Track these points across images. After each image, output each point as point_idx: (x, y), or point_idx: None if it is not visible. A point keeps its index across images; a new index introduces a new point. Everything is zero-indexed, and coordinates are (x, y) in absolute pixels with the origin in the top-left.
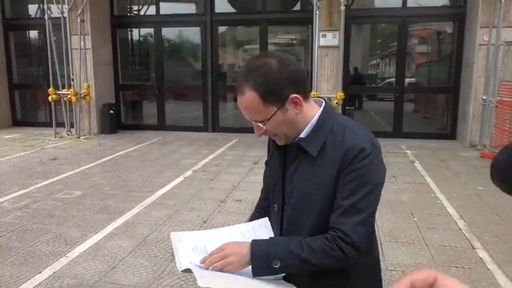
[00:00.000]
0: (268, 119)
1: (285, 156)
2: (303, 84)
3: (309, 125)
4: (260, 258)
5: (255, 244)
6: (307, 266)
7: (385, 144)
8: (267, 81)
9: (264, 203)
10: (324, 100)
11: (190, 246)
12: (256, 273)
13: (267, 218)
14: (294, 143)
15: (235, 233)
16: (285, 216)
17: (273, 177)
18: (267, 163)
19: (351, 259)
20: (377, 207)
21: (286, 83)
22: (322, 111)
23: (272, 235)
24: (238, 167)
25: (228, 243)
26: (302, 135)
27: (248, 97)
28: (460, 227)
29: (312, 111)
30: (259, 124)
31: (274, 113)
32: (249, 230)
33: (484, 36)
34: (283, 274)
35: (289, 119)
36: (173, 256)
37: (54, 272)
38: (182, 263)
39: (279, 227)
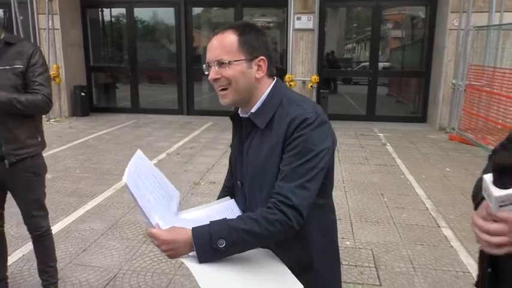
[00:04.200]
0: (233, 62)
1: (242, 134)
2: (271, 58)
3: (260, 99)
4: (202, 240)
5: (196, 229)
6: (255, 239)
7: (358, 127)
8: (249, 34)
9: (229, 182)
10: (276, 78)
11: (142, 174)
12: (203, 257)
13: (233, 200)
14: (247, 117)
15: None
16: (246, 190)
17: (234, 153)
18: (231, 145)
19: (294, 223)
20: (321, 175)
21: (263, 46)
22: (273, 87)
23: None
24: (213, 149)
25: (163, 234)
26: (253, 109)
27: (227, 36)
28: (427, 206)
29: (266, 87)
30: (222, 65)
31: (240, 60)
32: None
33: (455, 21)
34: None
35: (249, 76)
36: (145, 238)
37: (23, 255)
38: (127, 178)
39: (243, 202)
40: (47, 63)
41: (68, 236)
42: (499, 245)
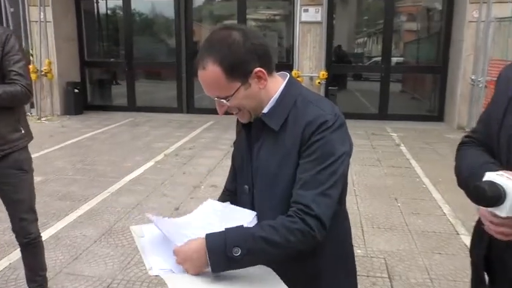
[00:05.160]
0: (232, 95)
1: (251, 134)
2: (267, 58)
3: (272, 99)
4: (217, 249)
5: (210, 236)
6: (273, 248)
7: (370, 126)
8: (231, 55)
9: (232, 185)
10: (289, 74)
11: (154, 244)
12: (216, 267)
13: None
14: (257, 118)
15: (203, 219)
16: (255, 196)
17: (240, 156)
18: (234, 143)
19: (317, 233)
20: (341, 181)
21: (250, 57)
22: (286, 85)
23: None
24: (214, 150)
25: (179, 247)
26: (265, 110)
27: (210, 72)
28: (445, 212)
29: (276, 85)
30: (222, 101)
31: (238, 89)
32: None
33: (474, 12)
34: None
35: (253, 94)
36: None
37: (10, 264)
38: (153, 267)
39: (251, 209)
40: (39, 57)
41: (58, 243)
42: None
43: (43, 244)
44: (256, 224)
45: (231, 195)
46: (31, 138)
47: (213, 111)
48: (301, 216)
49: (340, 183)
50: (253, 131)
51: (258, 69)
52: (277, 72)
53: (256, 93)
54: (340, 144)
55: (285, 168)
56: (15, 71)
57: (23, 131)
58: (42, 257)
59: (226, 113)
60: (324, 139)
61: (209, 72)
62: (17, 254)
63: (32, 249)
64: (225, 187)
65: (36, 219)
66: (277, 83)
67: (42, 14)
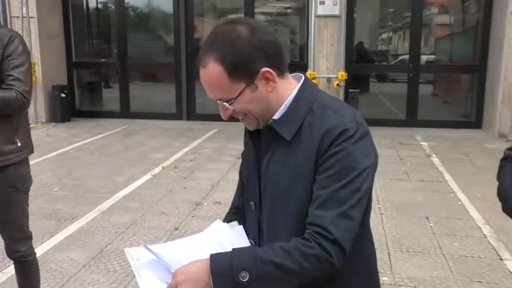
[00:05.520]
0: (235, 98)
1: (259, 144)
2: (277, 57)
3: (284, 104)
4: (222, 273)
5: (215, 257)
6: (285, 275)
7: (396, 134)
8: (234, 52)
9: (239, 201)
10: (304, 75)
11: (152, 267)
12: None
13: (241, 226)
14: (267, 126)
15: (203, 244)
16: (263, 215)
17: (247, 169)
18: (243, 154)
19: (336, 260)
20: (365, 199)
21: (256, 55)
22: (300, 88)
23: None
24: (218, 162)
25: (180, 267)
26: (276, 116)
27: (212, 71)
28: (485, 233)
29: (289, 89)
30: (224, 104)
31: (242, 91)
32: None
33: None
34: None
35: (260, 97)
36: None
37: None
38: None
39: (257, 230)
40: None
41: (42, 268)
42: None
43: (37, 266)
44: (268, 246)
45: (238, 213)
46: (30, 152)
47: (217, 118)
48: (318, 240)
49: (363, 201)
50: (262, 141)
51: (266, 69)
52: (290, 73)
53: (263, 96)
54: (363, 157)
55: (299, 183)
56: (13, 76)
57: (19, 144)
58: (33, 279)
59: (233, 118)
60: (345, 151)
61: (210, 72)
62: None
63: (20, 268)
64: (232, 204)
65: (27, 238)
66: (290, 86)
67: (24, 8)
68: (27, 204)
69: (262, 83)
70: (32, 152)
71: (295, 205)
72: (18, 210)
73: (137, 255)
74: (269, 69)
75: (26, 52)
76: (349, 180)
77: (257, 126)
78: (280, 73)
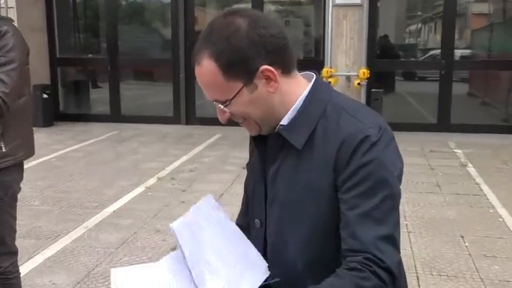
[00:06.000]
0: (232, 99)
1: (265, 152)
2: (281, 53)
3: (293, 107)
4: None
5: None
6: None
7: (426, 140)
8: (230, 48)
9: (243, 219)
10: (315, 74)
11: None
12: None
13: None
14: (274, 132)
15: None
16: (268, 232)
17: (252, 182)
18: (248, 165)
19: None
20: (399, 218)
21: (255, 51)
22: (311, 89)
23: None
24: (221, 172)
25: None
26: (284, 121)
27: (206, 68)
28: None
29: (298, 89)
30: (220, 106)
31: (239, 91)
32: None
33: None
34: None
35: (261, 99)
36: None
37: None
38: (178, 225)
39: (262, 250)
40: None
41: None
42: None
43: (19, 283)
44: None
45: (244, 232)
46: (17, 160)
47: (219, 122)
48: (373, 269)
49: (399, 217)
50: (268, 149)
51: (266, 67)
52: (302, 71)
53: (264, 98)
54: (392, 167)
55: (311, 198)
56: None
57: (3, 149)
58: None
59: (233, 123)
60: (375, 161)
61: (204, 69)
62: None
63: (3, 284)
64: (236, 221)
65: (10, 253)
66: (299, 86)
67: None
68: (14, 217)
69: (262, 82)
70: (20, 160)
71: (307, 224)
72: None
73: (121, 283)
74: (270, 67)
75: (19, 48)
76: (384, 196)
77: (259, 131)
78: (286, 72)
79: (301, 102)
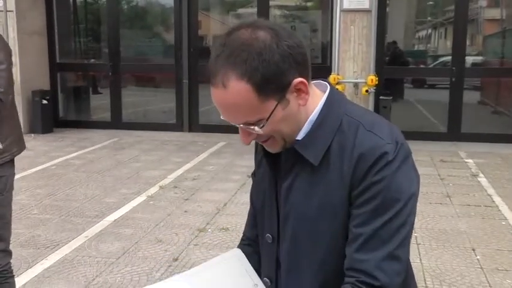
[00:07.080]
0: (267, 119)
1: (277, 165)
2: (306, 64)
3: (309, 120)
4: None
5: None
6: None
7: (436, 150)
8: (263, 65)
9: (252, 231)
10: (328, 84)
11: None
12: None
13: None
14: (288, 148)
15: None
16: (282, 250)
17: (261, 195)
18: (254, 175)
19: None
20: (411, 233)
21: (288, 64)
22: (327, 101)
23: None
24: (225, 181)
25: None
26: (299, 136)
27: (236, 91)
28: None
29: (314, 101)
30: (251, 128)
31: (274, 109)
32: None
33: None
34: None
35: (292, 114)
36: None
37: None
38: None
39: (274, 266)
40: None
41: None
42: None
43: (14, 285)
44: None
45: (252, 244)
46: (13, 155)
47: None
48: None
49: (410, 237)
50: (282, 164)
51: (299, 79)
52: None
53: (295, 112)
54: (407, 185)
55: (327, 215)
56: None
57: (1, 146)
58: None
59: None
60: (386, 180)
61: (233, 92)
62: None
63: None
64: (244, 234)
65: (5, 251)
66: (315, 98)
67: (1, 1)
68: (10, 213)
69: (293, 96)
70: (13, 156)
71: (323, 241)
72: None
73: None
74: (303, 79)
75: (4, 50)
76: (393, 214)
77: (283, 148)
78: (309, 82)
79: (317, 115)
